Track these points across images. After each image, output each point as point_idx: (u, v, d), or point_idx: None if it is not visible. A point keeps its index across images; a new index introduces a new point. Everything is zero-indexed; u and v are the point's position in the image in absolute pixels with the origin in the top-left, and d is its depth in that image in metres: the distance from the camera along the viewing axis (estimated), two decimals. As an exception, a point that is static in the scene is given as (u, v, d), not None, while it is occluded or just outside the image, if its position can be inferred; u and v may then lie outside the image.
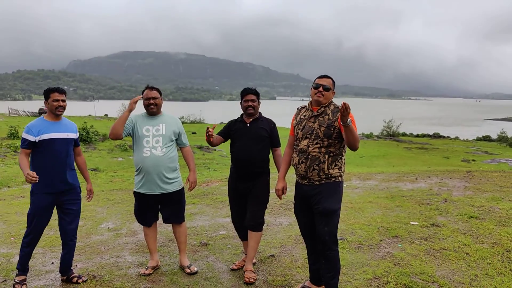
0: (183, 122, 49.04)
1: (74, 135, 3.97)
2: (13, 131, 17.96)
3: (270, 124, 4.21)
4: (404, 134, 44.75)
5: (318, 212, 3.42)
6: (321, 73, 3.75)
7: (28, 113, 51.37)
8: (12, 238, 5.37)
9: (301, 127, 3.53)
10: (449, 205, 6.58)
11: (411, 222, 5.66)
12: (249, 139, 4.09)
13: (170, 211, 4.20)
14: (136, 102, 3.96)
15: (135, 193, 4.19)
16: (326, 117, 3.43)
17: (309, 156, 3.42)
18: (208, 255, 4.66)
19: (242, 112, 4.22)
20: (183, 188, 4.25)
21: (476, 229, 5.30)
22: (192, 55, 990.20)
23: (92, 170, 11.80)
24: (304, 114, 3.59)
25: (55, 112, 3.79)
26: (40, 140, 3.69)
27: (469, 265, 4.19)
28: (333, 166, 3.41)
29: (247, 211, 4.15)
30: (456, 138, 45.29)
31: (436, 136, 49.49)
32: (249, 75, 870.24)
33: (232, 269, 4.27)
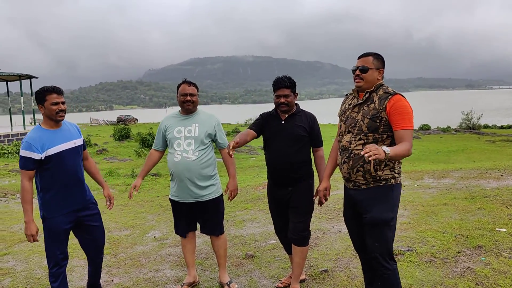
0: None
1: (80, 140, 3.41)
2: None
3: (310, 120, 3.52)
4: (486, 126, 41.25)
5: (366, 222, 2.78)
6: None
7: (107, 122, 54.54)
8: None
9: (344, 119, 2.90)
10: (545, 207, 5.50)
11: (497, 229, 4.72)
12: (284, 140, 3.46)
13: (205, 222, 3.74)
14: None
15: (170, 200, 3.79)
16: (372, 105, 2.77)
17: (352, 155, 2.79)
18: (253, 270, 4.15)
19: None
20: (221, 195, 3.77)
21: None
22: (259, 57, 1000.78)
23: (153, 175, 11.79)
24: (349, 103, 2.96)
25: (55, 118, 3.15)
26: (47, 157, 3.07)
27: None
28: (382, 166, 2.75)
29: (290, 223, 3.57)
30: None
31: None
32: (317, 73, 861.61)
33: (278, 287, 3.72)
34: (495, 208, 5.62)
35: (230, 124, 49.56)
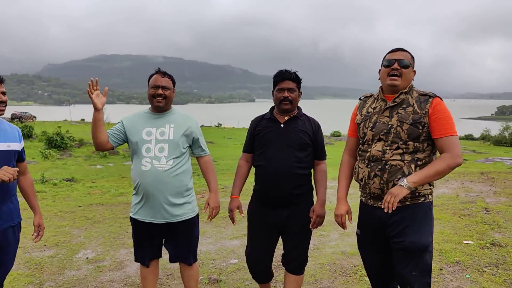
0: (163, 126, 48.78)
1: (19, 145, 2.67)
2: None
3: (314, 126, 2.91)
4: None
5: (401, 248, 2.31)
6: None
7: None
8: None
9: (371, 125, 2.43)
10: (495, 216, 5.58)
11: (464, 241, 4.61)
12: (284, 147, 2.80)
13: (178, 247, 3.00)
14: (97, 95, 2.68)
15: (131, 219, 2.99)
16: (410, 109, 2.33)
17: (387, 167, 2.32)
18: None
19: (274, 105, 2.95)
20: (197, 215, 3.06)
21: (549, 249, 4.30)
22: (170, 58, 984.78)
23: (67, 181, 10.43)
24: (373, 106, 2.49)
25: None
26: None
27: None
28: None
29: (285, 249, 2.97)
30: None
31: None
32: (228, 77, 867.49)
33: None
34: (450, 218, 5.58)
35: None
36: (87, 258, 4.59)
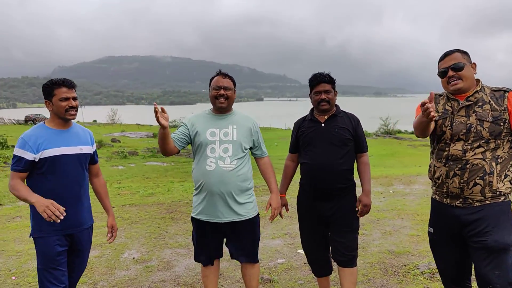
0: (174, 126, 48.41)
1: (90, 149, 2.76)
2: (1, 140, 16.58)
3: (354, 122, 3.06)
4: (399, 132, 44.16)
5: (483, 247, 2.30)
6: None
7: (14, 121, 49.65)
8: (14, 278, 4.18)
9: (449, 124, 2.42)
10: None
11: None
12: (326, 145, 2.95)
13: (240, 246, 3.03)
14: (158, 118, 2.65)
15: (193, 219, 3.04)
16: (487, 106, 2.33)
17: (467, 166, 2.32)
18: (277, 298, 3.53)
19: (313, 106, 3.12)
20: (258, 215, 3.09)
21: None
22: (178, 59, 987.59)
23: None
24: (449, 105, 2.48)
25: (64, 116, 2.59)
26: (41, 159, 2.50)
27: None
28: (502, 178, 2.32)
29: (332, 241, 3.06)
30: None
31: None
32: (236, 77, 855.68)
33: None
34: None
35: (151, 126, 47.74)
36: (133, 258, 4.65)
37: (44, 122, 2.66)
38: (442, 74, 2.45)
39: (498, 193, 2.31)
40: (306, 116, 3.18)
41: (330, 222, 3.02)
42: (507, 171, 2.33)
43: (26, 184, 2.57)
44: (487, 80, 2.50)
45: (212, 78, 3.03)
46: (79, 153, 2.65)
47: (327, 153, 2.94)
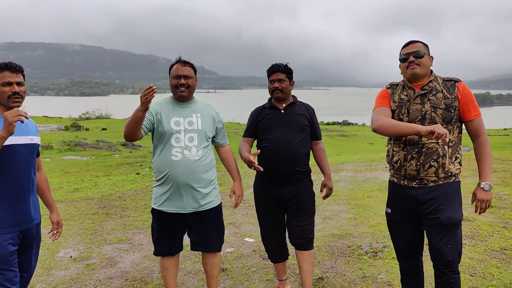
0: (87, 118, 45.52)
1: (38, 139, 2.57)
2: None
3: (310, 110, 3.23)
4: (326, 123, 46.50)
5: (437, 223, 2.49)
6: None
7: None
8: None
9: (405, 112, 2.58)
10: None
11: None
12: (286, 129, 3.05)
13: (204, 236, 2.99)
14: (149, 99, 2.47)
15: (154, 211, 2.94)
16: (440, 95, 2.52)
17: (423, 149, 2.49)
18: (235, 286, 3.54)
19: (270, 96, 3.22)
20: (221, 203, 3.07)
21: (509, 220, 4.83)
22: (88, 47, 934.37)
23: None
24: (404, 94, 2.64)
25: (7, 103, 2.34)
26: None
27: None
28: (453, 160, 2.53)
29: (290, 226, 3.15)
30: (363, 124, 47.68)
31: (346, 123, 51.87)
32: (152, 67, 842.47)
33: None
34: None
35: (61, 118, 44.79)
36: (71, 256, 4.36)
37: None
38: (404, 59, 2.58)
39: (449, 173, 2.52)
40: (264, 104, 3.25)
41: (288, 206, 3.11)
42: (457, 153, 2.55)
43: None
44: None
45: (171, 66, 2.94)
46: (30, 143, 2.44)
47: (286, 136, 3.03)
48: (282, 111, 3.11)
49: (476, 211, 2.57)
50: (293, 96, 3.21)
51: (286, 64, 3.14)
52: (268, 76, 3.14)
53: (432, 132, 2.20)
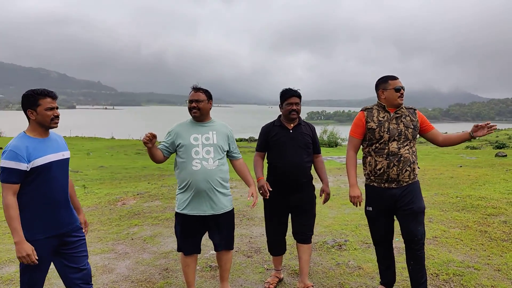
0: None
1: (69, 153, 2.99)
2: None
3: (312, 130, 3.94)
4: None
5: (410, 212, 3.38)
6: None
7: None
8: None
9: (385, 130, 3.45)
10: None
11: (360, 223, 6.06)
12: (295, 147, 3.75)
13: (221, 236, 3.55)
14: (147, 144, 3.26)
15: (178, 214, 3.46)
16: (408, 118, 3.44)
17: (402, 159, 3.38)
18: (233, 279, 4.11)
19: (282, 115, 3.87)
20: (233, 209, 3.66)
21: (432, 216, 6.01)
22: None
23: None
24: (382, 116, 3.51)
25: (49, 125, 2.79)
26: (33, 168, 2.66)
27: (472, 249, 4.74)
28: (416, 164, 3.46)
29: (298, 224, 3.83)
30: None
31: (252, 140, 53.75)
32: (42, 82, 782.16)
33: None
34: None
35: None
36: None
37: (24, 132, 2.78)
38: (398, 90, 3.41)
39: (415, 175, 3.45)
40: (273, 122, 3.89)
41: (295, 209, 3.78)
42: (416, 159, 3.49)
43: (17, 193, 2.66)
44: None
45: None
46: (62, 158, 2.85)
47: (296, 154, 3.71)
48: (291, 131, 3.77)
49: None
50: (299, 117, 3.86)
51: (298, 90, 3.81)
52: (285, 99, 3.75)
53: (351, 197, 3.56)
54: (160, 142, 3.59)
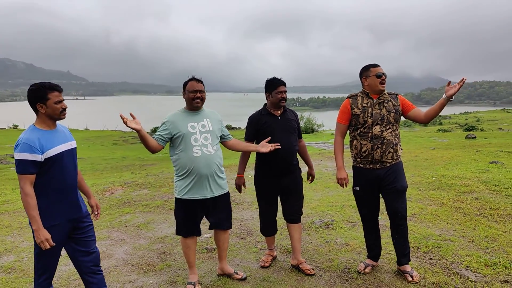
0: None
1: (75, 143, 3.17)
2: None
3: (296, 116, 4.18)
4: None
5: (394, 190, 3.67)
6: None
7: None
8: None
9: (369, 115, 3.71)
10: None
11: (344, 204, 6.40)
12: (283, 132, 3.97)
13: (220, 216, 3.78)
14: (128, 124, 3.29)
15: (179, 200, 3.65)
16: (390, 103, 3.71)
17: (385, 141, 3.65)
18: (229, 259, 4.35)
19: (269, 103, 4.03)
20: (229, 191, 3.89)
21: (409, 195, 6.39)
22: None
23: None
24: (365, 102, 3.76)
25: (59, 117, 2.95)
26: (46, 158, 2.83)
27: (448, 223, 5.12)
28: (399, 146, 3.75)
29: (289, 205, 4.08)
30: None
31: (229, 128, 54.04)
32: (7, 72, 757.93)
33: (265, 267, 4.14)
34: (335, 186, 7.38)
35: None
36: (61, 255, 4.69)
37: (34, 125, 2.92)
38: (379, 76, 3.65)
39: (398, 156, 3.73)
40: (260, 111, 4.08)
41: (286, 191, 4.01)
42: (400, 142, 3.77)
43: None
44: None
45: (186, 82, 3.69)
46: (71, 148, 3.04)
47: (286, 138, 3.94)
48: (279, 118, 3.99)
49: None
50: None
51: (281, 78, 4.01)
52: (274, 88, 3.92)
53: (338, 179, 3.87)
54: (155, 132, 3.74)
